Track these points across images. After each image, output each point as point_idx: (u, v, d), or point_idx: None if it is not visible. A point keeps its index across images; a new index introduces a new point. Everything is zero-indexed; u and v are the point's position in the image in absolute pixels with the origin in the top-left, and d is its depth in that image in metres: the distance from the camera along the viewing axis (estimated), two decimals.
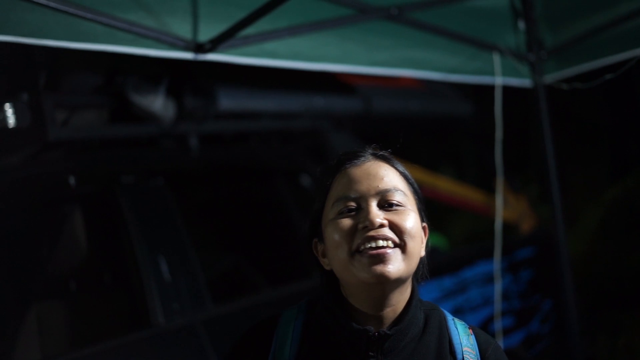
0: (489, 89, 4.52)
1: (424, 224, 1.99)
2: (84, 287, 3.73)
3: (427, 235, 1.99)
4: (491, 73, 4.24)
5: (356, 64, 3.92)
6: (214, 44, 3.25)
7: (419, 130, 6.60)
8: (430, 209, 2.07)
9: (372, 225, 1.84)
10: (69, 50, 3.76)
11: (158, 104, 3.93)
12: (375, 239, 1.83)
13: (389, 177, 1.92)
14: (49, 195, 3.62)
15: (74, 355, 3.22)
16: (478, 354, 1.95)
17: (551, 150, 4.34)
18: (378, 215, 1.85)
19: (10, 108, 3.55)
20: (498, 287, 4.56)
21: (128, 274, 3.55)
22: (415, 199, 1.97)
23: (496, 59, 4.22)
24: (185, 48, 3.26)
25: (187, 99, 4.08)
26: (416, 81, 5.54)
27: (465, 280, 5.10)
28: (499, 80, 4.22)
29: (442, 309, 2.03)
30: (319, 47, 3.71)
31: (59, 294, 3.72)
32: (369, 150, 2.00)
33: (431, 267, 2.04)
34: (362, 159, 1.96)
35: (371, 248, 1.83)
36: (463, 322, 2.01)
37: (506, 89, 4.28)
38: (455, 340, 1.95)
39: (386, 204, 1.89)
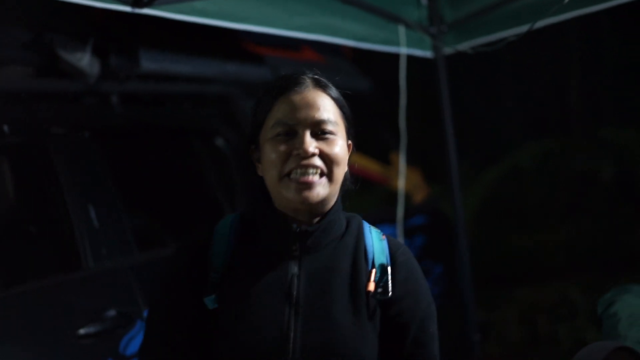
0: (383, 65, 4.84)
1: (349, 142, 2.25)
2: (16, 232, 3.84)
3: (350, 151, 2.26)
4: (397, 44, 4.56)
5: (277, 27, 4.13)
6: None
7: None
8: None
9: (304, 154, 2.09)
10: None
11: (85, 61, 4.04)
12: (305, 167, 2.09)
13: (325, 107, 2.14)
14: None
15: (15, 290, 3.35)
16: (388, 254, 2.22)
17: (449, 116, 4.69)
18: (310, 144, 2.10)
19: None
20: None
21: (59, 220, 3.66)
22: (344, 123, 2.22)
23: (401, 30, 4.53)
24: (124, 1, 3.42)
25: (111, 58, 4.21)
26: (318, 56, 5.79)
27: None
28: (403, 50, 4.53)
29: (360, 218, 2.31)
30: (243, 9, 3.91)
31: None
32: (309, 75, 2.21)
33: None
34: (303, 86, 2.16)
35: (301, 175, 2.09)
36: (378, 230, 2.30)
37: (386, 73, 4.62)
38: (368, 242, 2.23)
39: (319, 132, 2.13)
